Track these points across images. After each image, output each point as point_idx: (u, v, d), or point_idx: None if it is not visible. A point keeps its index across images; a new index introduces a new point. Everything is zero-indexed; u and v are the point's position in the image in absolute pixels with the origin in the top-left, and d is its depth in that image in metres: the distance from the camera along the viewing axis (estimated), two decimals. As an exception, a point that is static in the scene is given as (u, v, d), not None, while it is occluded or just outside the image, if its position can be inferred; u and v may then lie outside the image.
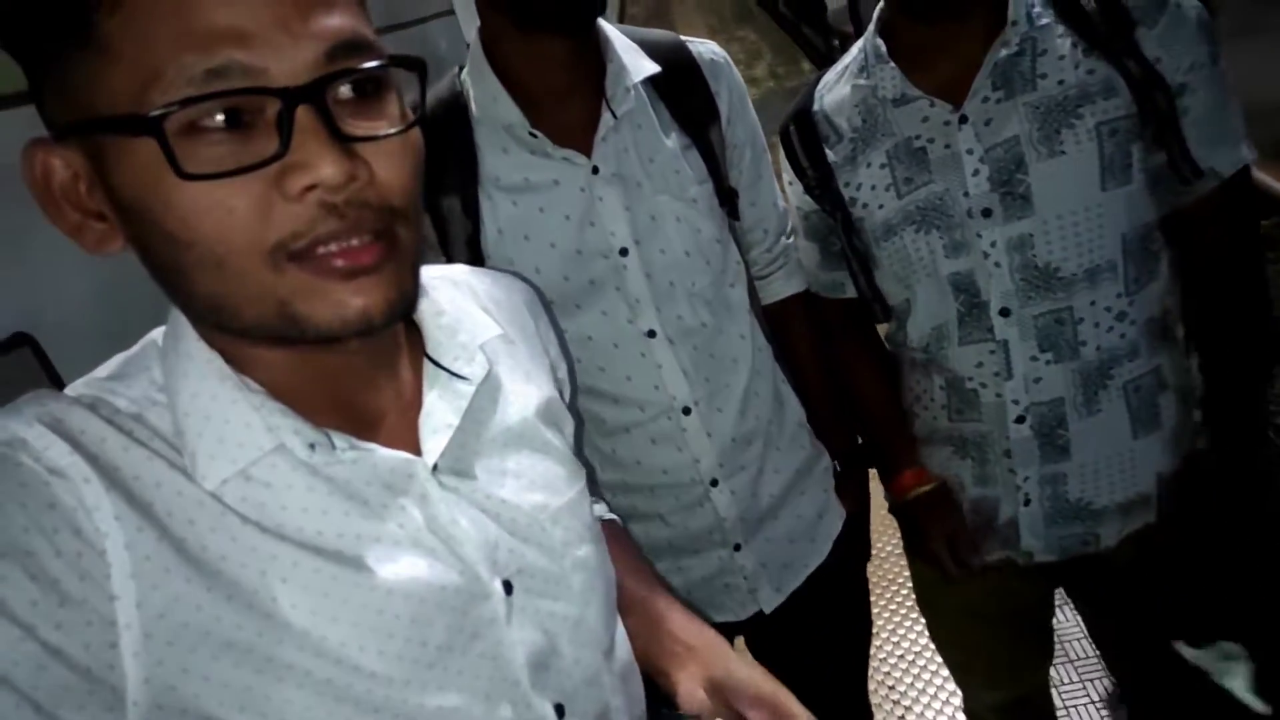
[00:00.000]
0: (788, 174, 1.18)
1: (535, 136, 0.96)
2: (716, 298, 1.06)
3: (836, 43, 7.41)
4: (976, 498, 1.13)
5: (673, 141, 1.03)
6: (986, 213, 1.00)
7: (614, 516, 0.87)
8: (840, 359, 1.24)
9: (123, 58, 0.43)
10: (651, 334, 1.02)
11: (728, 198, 1.08)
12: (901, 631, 2.23)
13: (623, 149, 1.00)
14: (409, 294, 0.50)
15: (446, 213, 1.00)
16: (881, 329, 1.24)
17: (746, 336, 1.09)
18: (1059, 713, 1.83)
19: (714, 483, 1.07)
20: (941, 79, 1.01)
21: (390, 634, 0.52)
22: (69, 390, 0.52)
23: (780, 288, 1.21)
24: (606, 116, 0.98)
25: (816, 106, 1.13)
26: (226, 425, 0.51)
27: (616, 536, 0.81)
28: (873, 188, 1.07)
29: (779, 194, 1.18)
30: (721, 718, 0.68)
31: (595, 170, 0.99)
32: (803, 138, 1.13)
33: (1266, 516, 1.09)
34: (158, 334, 0.55)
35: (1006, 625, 1.25)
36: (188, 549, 0.48)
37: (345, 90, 0.47)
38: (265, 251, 0.45)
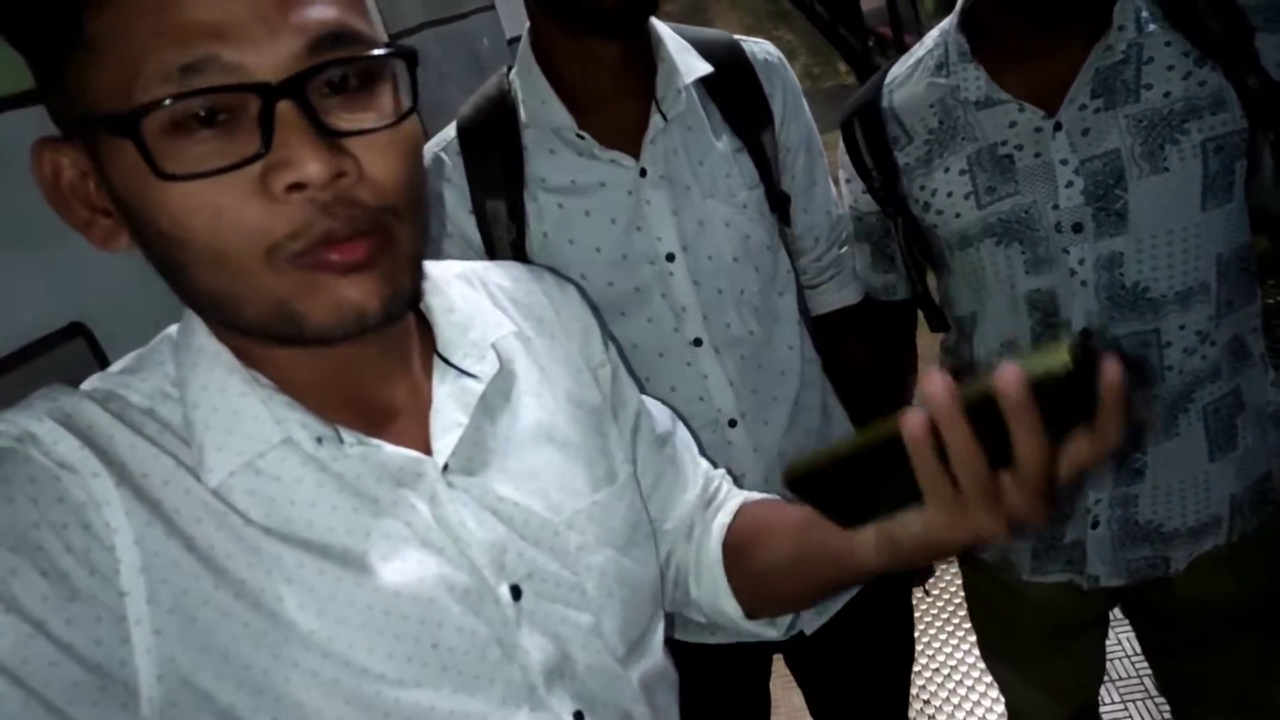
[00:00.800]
0: (846, 171, 1.12)
1: (582, 138, 0.94)
2: (765, 306, 1.03)
3: (872, 43, 7.40)
4: None
5: (724, 144, 1.00)
6: (1077, 228, 0.94)
7: (765, 495, 0.77)
8: (897, 360, 1.20)
9: (108, 55, 0.42)
10: (698, 342, 0.99)
11: (779, 203, 1.05)
12: (937, 645, 2.19)
13: (672, 151, 0.97)
14: (405, 291, 0.49)
15: (491, 216, 0.98)
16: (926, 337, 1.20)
17: (795, 347, 1.06)
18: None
19: None
20: (1033, 82, 0.95)
21: (399, 635, 0.51)
22: (85, 385, 0.52)
23: (832, 298, 1.17)
24: (656, 118, 0.95)
25: (885, 103, 1.06)
26: (235, 417, 0.51)
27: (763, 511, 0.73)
28: (949, 195, 1.01)
29: (834, 200, 1.14)
30: None
31: (643, 173, 0.96)
32: (868, 135, 1.07)
33: None
34: (173, 329, 0.55)
35: (1060, 644, 1.20)
36: (196, 546, 0.48)
37: (332, 82, 0.45)
38: (262, 251, 0.45)
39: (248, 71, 0.43)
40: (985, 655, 1.33)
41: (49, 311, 0.97)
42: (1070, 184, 0.94)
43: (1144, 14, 0.92)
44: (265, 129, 0.43)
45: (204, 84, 0.42)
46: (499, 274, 0.69)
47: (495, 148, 0.97)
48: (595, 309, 0.74)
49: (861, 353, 1.19)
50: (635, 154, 0.96)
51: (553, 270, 0.73)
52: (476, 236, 0.99)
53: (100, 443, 0.48)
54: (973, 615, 1.29)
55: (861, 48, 7.37)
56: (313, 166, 0.43)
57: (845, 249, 1.16)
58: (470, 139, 0.99)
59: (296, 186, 0.43)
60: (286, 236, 0.44)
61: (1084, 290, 0.96)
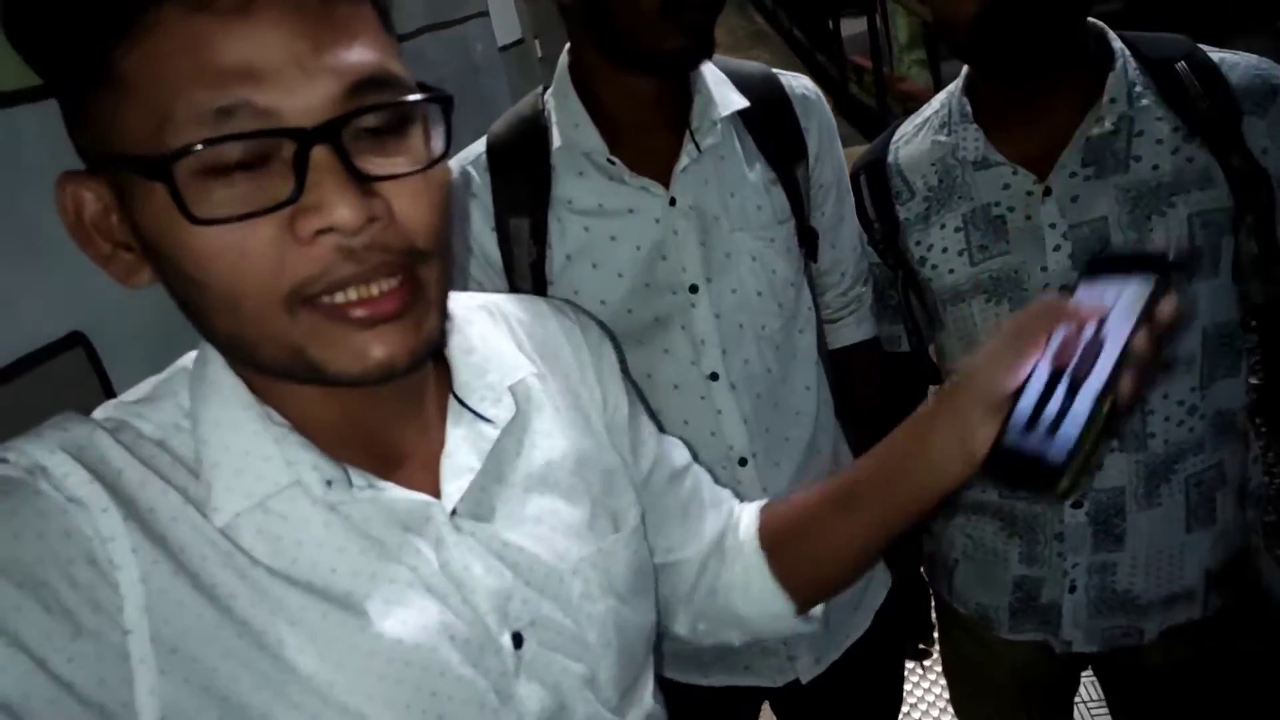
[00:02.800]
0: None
1: (613, 163, 0.94)
2: (785, 343, 1.03)
3: (850, 71, 7.48)
4: (1020, 576, 1.10)
5: (756, 176, 1.00)
6: (1065, 290, 0.97)
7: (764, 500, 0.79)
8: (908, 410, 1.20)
9: (139, 95, 0.42)
10: (714, 377, 0.98)
11: (807, 238, 1.05)
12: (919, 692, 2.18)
13: (703, 181, 0.97)
14: (433, 337, 0.50)
15: (514, 234, 0.97)
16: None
17: (812, 388, 1.05)
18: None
19: None
20: (1027, 147, 0.98)
21: (399, 681, 0.51)
22: (97, 413, 0.52)
23: (850, 333, 1.17)
24: (689, 148, 0.95)
25: (891, 158, 1.09)
26: (246, 457, 0.50)
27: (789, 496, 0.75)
28: (944, 250, 1.04)
29: (860, 237, 1.14)
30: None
31: (672, 202, 0.95)
32: (873, 189, 1.10)
33: None
34: (189, 359, 0.55)
35: (1030, 702, 1.22)
36: (201, 584, 0.48)
37: (366, 126, 0.45)
38: (281, 297, 0.44)
39: (282, 116, 0.42)
40: (955, 708, 1.34)
41: (48, 321, 0.95)
42: (1058, 247, 0.97)
43: (1136, 88, 0.95)
44: (299, 173, 0.43)
45: (237, 129, 0.42)
46: (518, 307, 0.68)
47: (523, 166, 0.97)
48: (616, 343, 0.73)
49: (873, 394, 1.18)
50: (665, 182, 0.95)
51: (575, 306, 0.72)
52: (496, 254, 0.98)
53: (110, 477, 0.47)
54: (947, 672, 1.31)
55: (839, 75, 7.45)
56: (344, 211, 0.43)
57: (867, 286, 1.17)
58: (499, 156, 0.98)
59: (325, 230, 0.43)
60: (308, 280, 0.44)
61: None
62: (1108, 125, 0.94)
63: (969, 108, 1.01)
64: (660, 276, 0.96)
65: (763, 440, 1.01)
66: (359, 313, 0.45)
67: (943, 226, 1.03)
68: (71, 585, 0.43)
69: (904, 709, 1.87)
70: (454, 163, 0.98)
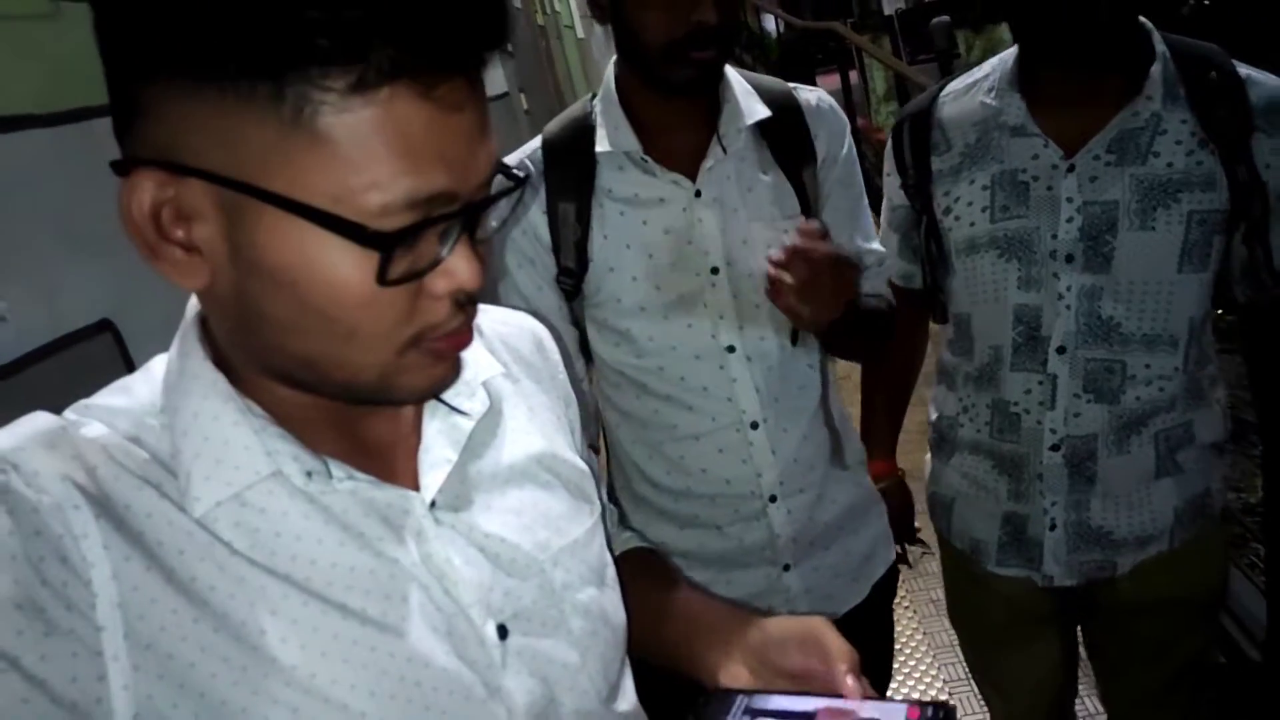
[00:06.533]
0: (889, 165, 1.27)
1: (646, 161, 1.08)
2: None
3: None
4: (1009, 512, 1.22)
5: (770, 176, 1.12)
6: (1069, 258, 1.09)
7: (646, 545, 0.87)
8: (905, 347, 1.31)
9: (336, 155, 0.43)
10: (731, 349, 1.11)
11: None
12: (899, 660, 2.28)
13: (725, 177, 1.11)
14: (462, 366, 0.55)
15: (562, 217, 1.11)
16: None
17: (815, 367, 1.18)
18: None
19: (773, 499, 1.14)
20: (1063, 124, 1.08)
21: (382, 672, 0.51)
22: (69, 411, 0.52)
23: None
24: (716, 150, 1.09)
25: (936, 112, 1.20)
26: (225, 447, 0.51)
27: (648, 566, 0.82)
28: (969, 204, 1.16)
29: (875, 234, 1.25)
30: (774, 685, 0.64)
31: (698, 194, 1.09)
32: (914, 137, 1.22)
33: None
34: (160, 358, 0.56)
35: (1021, 634, 1.33)
36: (176, 579, 0.48)
37: None
38: (403, 338, 0.48)
39: (460, 199, 0.47)
40: (963, 645, 1.48)
41: (82, 309, 1.08)
42: (1070, 219, 1.09)
43: (1171, 90, 1.05)
44: (443, 243, 0.47)
45: (432, 212, 0.45)
46: (491, 316, 0.72)
47: (573, 160, 1.11)
48: (566, 354, 0.82)
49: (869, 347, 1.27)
50: (693, 176, 1.09)
51: (535, 316, 0.77)
52: (547, 234, 1.12)
53: (83, 473, 0.47)
54: (950, 606, 1.45)
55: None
56: (469, 277, 0.48)
57: (885, 267, 1.25)
58: (553, 151, 1.14)
59: (452, 291, 0.48)
60: (432, 327, 0.49)
61: (1066, 313, 1.11)
62: (1140, 120, 1.05)
63: (1017, 77, 1.11)
64: (686, 258, 1.09)
65: (773, 407, 1.13)
66: (449, 350, 0.51)
67: (972, 182, 1.15)
68: (42, 583, 0.43)
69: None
70: (514, 157, 1.13)
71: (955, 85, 1.23)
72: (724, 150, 1.09)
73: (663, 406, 1.13)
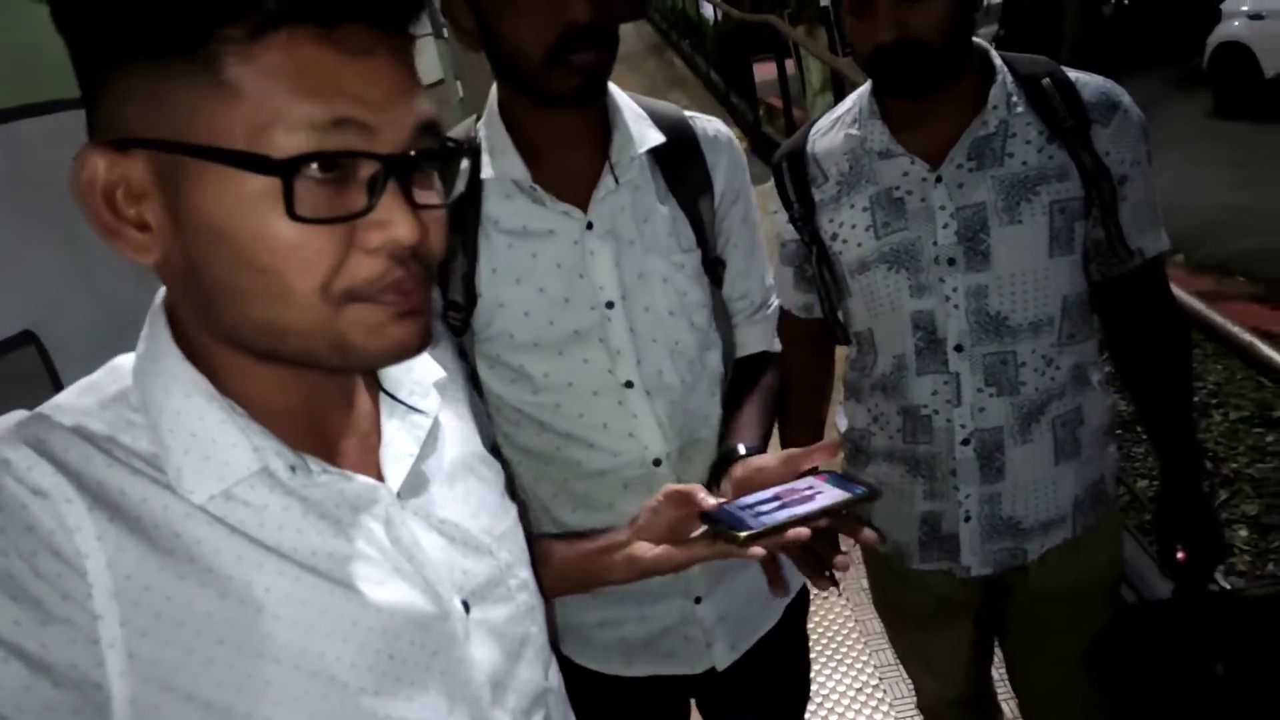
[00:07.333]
0: (774, 204, 1.31)
1: (535, 190, 1.02)
2: (697, 359, 1.11)
3: (762, 112, 7.85)
4: (925, 512, 1.27)
5: (667, 208, 1.08)
6: (951, 261, 1.16)
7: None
8: (791, 365, 1.30)
9: (245, 99, 0.46)
10: (629, 384, 1.06)
11: (713, 267, 1.12)
12: (831, 648, 2.34)
13: (619, 208, 1.05)
14: (430, 333, 0.57)
15: (449, 248, 1.05)
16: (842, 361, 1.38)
17: (717, 396, 1.15)
18: None
19: None
20: (923, 142, 1.17)
21: (363, 645, 0.55)
22: (43, 408, 0.53)
23: (754, 342, 1.22)
24: (608, 179, 1.03)
25: (809, 149, 1.28)
26: (213, 444, 0.53)
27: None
28: (853, 227, 1.22)
29: (768, 269, 1.23)
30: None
31: (590, 225, 1.03)
32: (793, 175, 1.28)
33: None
34: (124, 359, 0.57)
35: (944, 624, 1.40)
36: (174, 561, 0.50)
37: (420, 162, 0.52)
38: (334, 293, 0.50)
39: (376, 141, 0.49)
40: (890, 632, 1.53)
41: (1, 319, 1.00)
42: (946, 225, 1.16)
43: (1012, 98, 1.16)
44: (374, 193, 0.49)
45: (344, 142, 0.48)
46: None
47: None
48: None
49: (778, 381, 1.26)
50: (584, 206, 1.03)
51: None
52: None
53: (75, 466, 0.49)
54: (876, 600, 1.50)
55: (753, 116, 7.82)
56: (404, 231, 0.50)
57: (773, 310, 1.25)
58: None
59: (385, 243, 0.51)
60: (367, 280, 0.51)
61: (956, 314, 1.17)
62: (990, 127, 1.15)
63: (876, 107, 1.20)
64: (579, 293, 1.04)
65: (676, 441, 1.09)
66: (391, 297, 0.52)
67: (852, 206, 1.22)
68: (36, 575, 0.45)
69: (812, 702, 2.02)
70: None
71: (822, 123, 1.30)
72: (616, 181, 1.04)
73: (564, 444, 1.09)
